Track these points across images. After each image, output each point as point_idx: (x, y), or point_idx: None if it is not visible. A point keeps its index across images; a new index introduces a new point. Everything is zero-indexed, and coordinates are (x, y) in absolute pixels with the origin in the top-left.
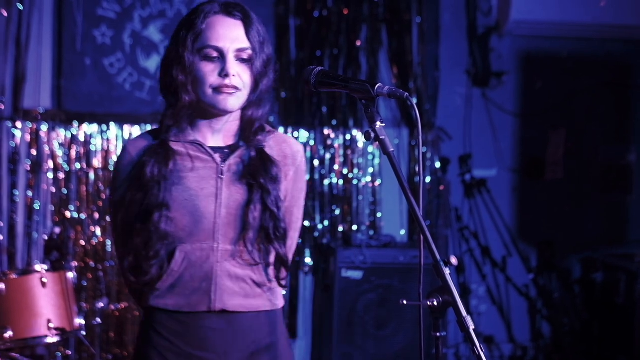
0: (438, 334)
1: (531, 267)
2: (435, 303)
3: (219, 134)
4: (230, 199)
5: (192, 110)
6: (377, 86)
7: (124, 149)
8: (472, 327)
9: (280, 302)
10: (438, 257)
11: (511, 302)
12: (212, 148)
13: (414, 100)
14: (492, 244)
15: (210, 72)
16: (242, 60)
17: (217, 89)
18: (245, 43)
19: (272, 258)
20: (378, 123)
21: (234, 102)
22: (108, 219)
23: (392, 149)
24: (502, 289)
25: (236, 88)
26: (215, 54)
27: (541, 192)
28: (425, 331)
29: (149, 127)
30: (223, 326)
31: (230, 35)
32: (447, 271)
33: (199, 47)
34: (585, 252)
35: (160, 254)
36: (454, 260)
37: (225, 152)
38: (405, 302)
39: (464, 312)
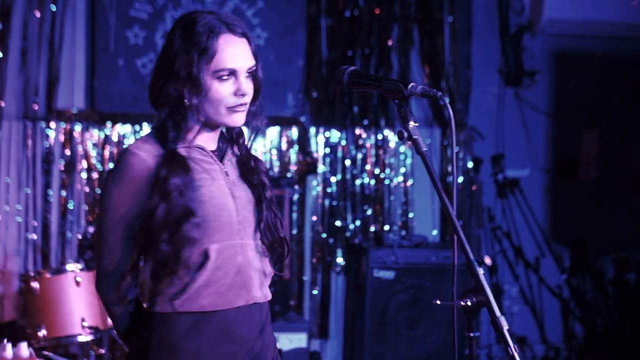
0: (471, 334)
1: (564, 267)
2: (469, 303)
3: (212, 139)
4: (241, 197)
5: (195, 121)
6: (410, 85)
7: (132, 152)
8: (506, 327)
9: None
10: (472, 257)
11: (544, 303)
12: (210, 151)
13: (447, 100)
14: (525, 244)
15: (225, 93)
16: (249, 75)
17: (232, 108)
18: (252, 60)
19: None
20: (411, 122)
21: (244, 117)
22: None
23: (425, 149)
24: (534, 290)
25: (247, 104)
26: (228, 73)
27: (574, 192)
28: (458, 331)
29: None
30: (253, 318)
31: (242, 55)
32: (480, 271)
33: (214, 69)
34: (619, 253)
35: (191, 260)
36: (487, 261)
37: (216, 154)
38: (438, 302)
39: (497, 313)
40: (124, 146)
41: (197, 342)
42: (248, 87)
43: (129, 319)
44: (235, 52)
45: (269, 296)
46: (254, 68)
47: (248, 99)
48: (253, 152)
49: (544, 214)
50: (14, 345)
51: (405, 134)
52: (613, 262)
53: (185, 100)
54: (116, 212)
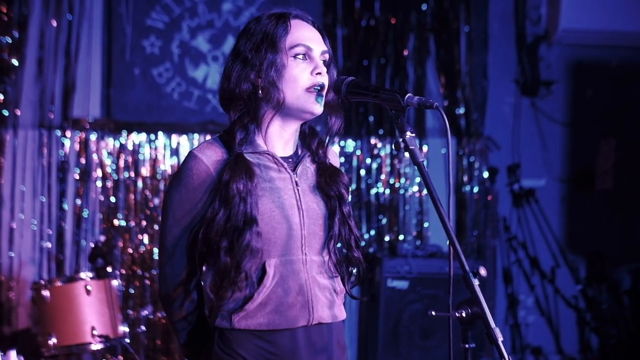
0: (467, 346)
1: (580, 278)
2: (464, 314)
3: (285, 143)
4: (310, 209)
5: (269, 118)
6: (407, 96)
7: (194, 157)
8: (500, 339)
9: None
10: (467, 268)
11: (560, 313)
12: (282, 158)
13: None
14: (541, 255)
15: (301, 71)
16: (324, 63)
17: (309, 90)
18: (325, 46)
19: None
20: (408, 133)
21: (322, 105)
22: (158, 226)
23: (422, 159)
24: (550, 300)
25: (323, 88)
26: (304, 52)
27: (591, 202)
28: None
29: (196, 137)
30: (319, 339)
31: (314, 37)
32: (475, 282)
33: (289, 46)
34: (635, 263)
35: (251, 272)
36: (482, 272)
37: (290, 161)
38: (434, 313)
39: (492, 324)
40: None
41: None
42: (324, 69)
43: (189, 332)
44: (308, 33)
45: (341, 316)
46: (327, 56)
47: (325, 80)
48: (335, 164)
49: (559, 225)
50: (4, 352)
51: (402, 145)
52: (630, 273)
53: (259, 92)
54: (175, 217)
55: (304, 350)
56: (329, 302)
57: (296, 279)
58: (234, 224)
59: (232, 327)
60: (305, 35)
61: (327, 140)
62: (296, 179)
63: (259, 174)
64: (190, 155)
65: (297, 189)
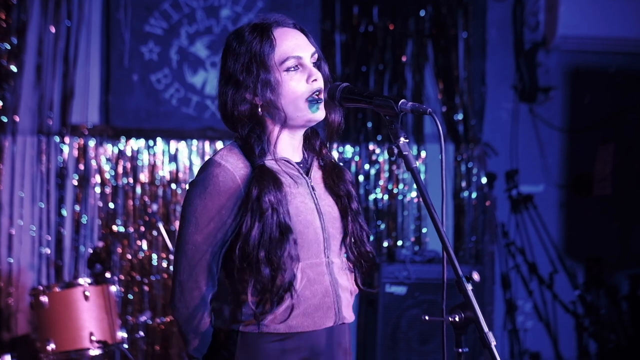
0: (460, 350)
1: (578, 283)
2: (457, 319)
3: (294, 150)
4: (327, 212)
5: (276, 130)
6: (400, 102)
7: (217, 164)
8: (494, 343)
9: None
10: (460, 273)
11: (558, 319)
12: (296, 163)
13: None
14: (539, 260)
15: (297, 83)
16: (315, 64)
17: (310, 99)
18: (313, 47)
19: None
20: (402, 139)
21: (322, 108)
22: (184, 235)
23: (415, 165)
24: (548, 306)
25: (321, 91)
26: (295, 63)
27: (589, 208)
28: (449, 347)
29: (195, 142)
30: (341, 339)
31: (301, 42)
32: (469, 287)
33: (279, 61)
34: (634, 269)
35: (290, 279)
36: (475, 276)
37: (301, 166)
38: (427, 317)
39: (486, 329)
40: (210, 157)
41: None
42: (318, 73)
43: (204, 340)
44: (293, 42)
45: (353, 317)
46: (317, 55)
47: (321, 85)
48: (338, 162)
49: (558, 230)
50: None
51: (396, 151)
52: (628, 278)
53: (259, 110)
54: (197, 224)
55: (326, 350)
56: (347, 302)
57: (321, 282)
58: (270, 235)
59: (259, 331)
60: (291, 46)
61: (329, 139)
62: (312, 184)
63: (283, 182)
64: (213, 162)
65: (314, 193)
